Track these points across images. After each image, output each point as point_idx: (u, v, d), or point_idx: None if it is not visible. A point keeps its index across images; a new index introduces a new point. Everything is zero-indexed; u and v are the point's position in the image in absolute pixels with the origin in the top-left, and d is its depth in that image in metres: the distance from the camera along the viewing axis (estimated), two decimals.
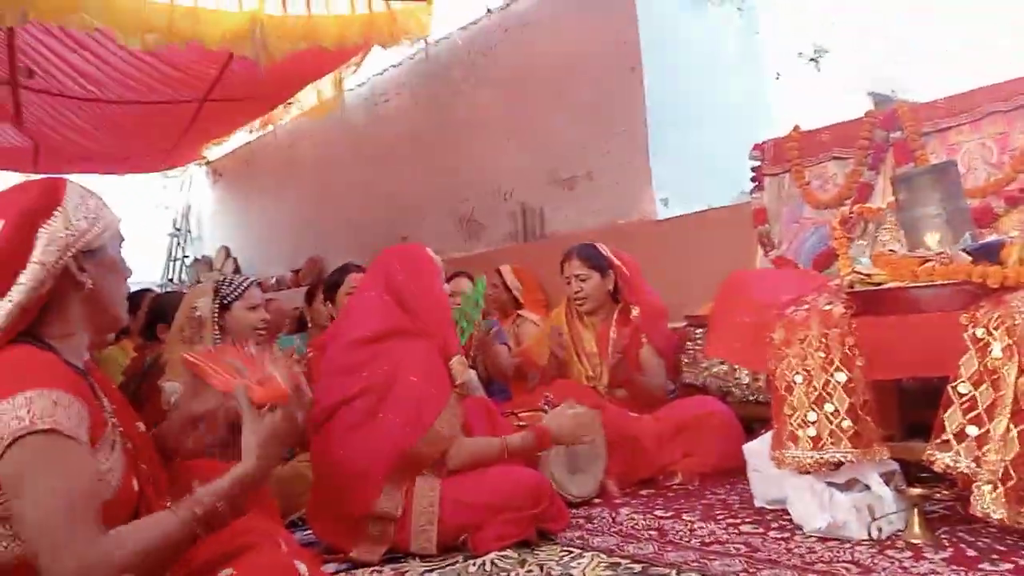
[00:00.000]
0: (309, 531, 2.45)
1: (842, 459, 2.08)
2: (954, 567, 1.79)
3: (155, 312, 3.20)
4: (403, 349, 2.36)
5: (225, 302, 2.75)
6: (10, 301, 1.24)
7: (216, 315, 2.72)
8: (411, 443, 2.24)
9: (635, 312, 3.29)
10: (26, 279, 1.25)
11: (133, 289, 2.89)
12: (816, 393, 2.13)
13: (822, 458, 2.09)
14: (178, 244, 9.76)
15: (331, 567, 2.18)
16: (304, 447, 2.87)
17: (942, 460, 1.91)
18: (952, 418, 1.91)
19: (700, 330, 3.25)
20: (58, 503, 1.13)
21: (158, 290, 5.81)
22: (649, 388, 3.22)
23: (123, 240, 1.44)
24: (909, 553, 1.90)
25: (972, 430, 1.87)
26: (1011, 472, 1.80)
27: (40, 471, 1.14)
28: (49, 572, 1.12)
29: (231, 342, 2.69)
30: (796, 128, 3.72)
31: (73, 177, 1.46)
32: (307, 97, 6.47)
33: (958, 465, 1.88)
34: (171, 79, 5.27)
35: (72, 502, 1.14)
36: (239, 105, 6.02)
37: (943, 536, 2.01)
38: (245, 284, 2.82)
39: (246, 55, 4.21)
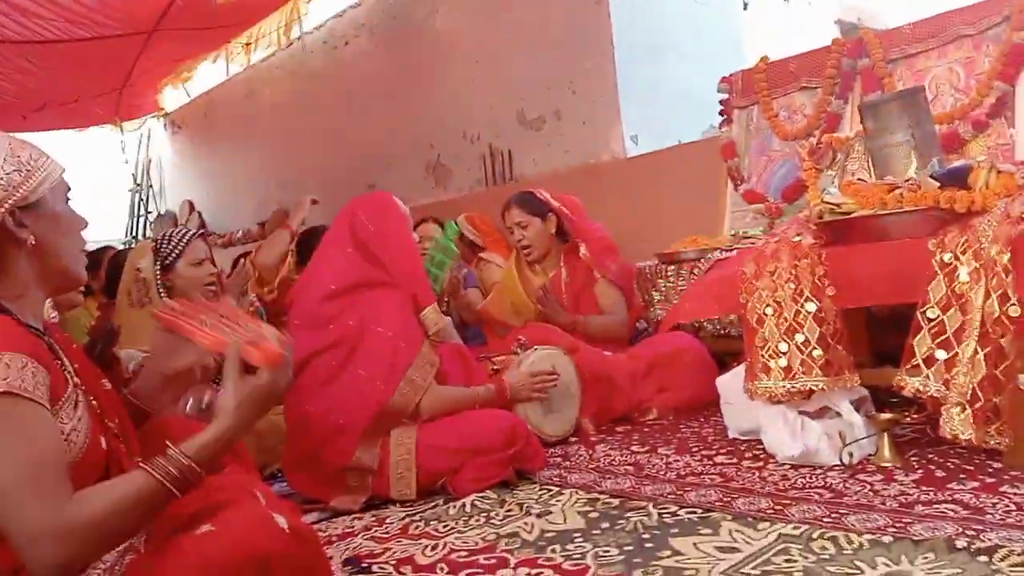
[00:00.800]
0: (285, 483, 2.45)
1: (814, 388, 2.11)
2: (924, 488, 1.82)
3: (114, 271, 3.11)
4: (371, 301, 2.34)
5: (167, 261, 2.61)
6: None
7: (159, 275, 2.61)
8: (385, 397, 2.23)
9: (583, 250, 3.26)
10: None
11: (93, 247, 2.80)
12: (787, 324, 2.14)
13: (794, 387, 2.12)
14: (140, 200, 9.55)
15: (312, 516, 2.19)
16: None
17: (912, 385, 1.94)
18: (921, 343, 1.93)
19: (672, 267, 3.26)
20: (19, 468, 1.09)
21: (121, 247, 5.69)
22: (603, 328, 3.20)
23: (69, 190, 1.36)
24: (880, 476, 1.94)
25: (941, 354, 1.90)
26: (979, 394, 1.83)
27: None
28: (16, 537, 1.10)
29: (181, 301, 2.64)
30: (764, 59, 3.69)
31: (29, 135, 1.39)
32: (264, 41, 6.30)
33: (927, 389, 1.91)
34: (117, 10, 5.08)
35: (34, 465, 1.10)
36: (189, 35, 5.80)
37: (912, 459, 2.05)
38: (186, 239, 2.66)
39: None
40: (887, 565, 1.46)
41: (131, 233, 9.45)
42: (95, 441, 1.28)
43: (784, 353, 2.14)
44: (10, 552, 1.18)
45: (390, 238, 2.41)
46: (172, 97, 8.55)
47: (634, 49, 4.44)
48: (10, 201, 1.24)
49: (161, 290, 2.60)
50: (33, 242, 1.27)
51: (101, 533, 1.13)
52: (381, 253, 2.39)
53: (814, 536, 1.61)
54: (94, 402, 1.34)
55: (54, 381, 1.22)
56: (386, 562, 1.79)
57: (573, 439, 2.68)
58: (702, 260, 3.12)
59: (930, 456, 2.05)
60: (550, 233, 3.32)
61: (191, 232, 2.73)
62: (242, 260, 3.93)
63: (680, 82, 4.42)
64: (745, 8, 5.08)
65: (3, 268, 1.26)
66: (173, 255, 2.62)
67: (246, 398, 1.24)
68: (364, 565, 1.79)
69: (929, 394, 1.91)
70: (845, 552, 1.53)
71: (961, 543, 1.49)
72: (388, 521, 2.09)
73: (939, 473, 1.92)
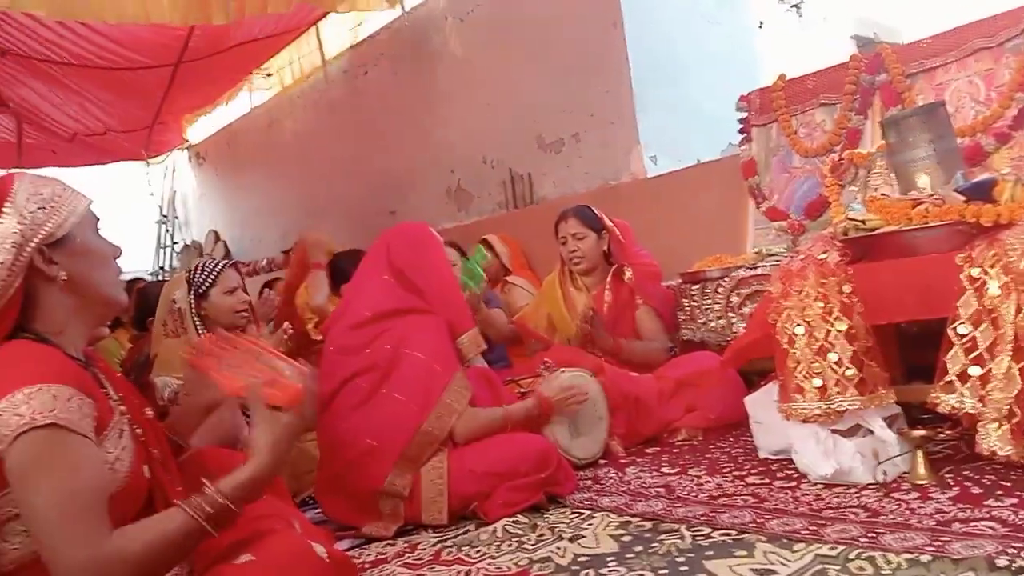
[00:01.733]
0: (318, 509, 2.46)
1: (849, 407, 2.09)
2: (960, 505, 1.80)
3: (143, 303, 3.17)
4: (406, 326, 2.36)
5: (200, 291, 2.67)
6: None
7: (193, 305, 2.66)
8: (420, 421, 2.25)
9: (628, 274, 3.28)
10: None
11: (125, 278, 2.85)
12: (818, 344, 2.13)
13: (829, 408, 2.10)
14: (167, 231, 9.69)
15: (345, 543, 2.20)
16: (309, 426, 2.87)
17: (947, 402, 1.92)
18: (954, 359, 1.92)
19: (695, 286, 3.25)
20: (61, 499, 1.12)
21: (149, 278, 5.78)
22: (644, 354, 3.21)
23: (97, 221, 1.39)
24: (916, 494, 1.92)
25: (975, 370, 1.88)
26: (1015, 409, 1.81)
27: (42, 467, 1.13)
28: (56, 569, 1.12)
29: (215, 329, 2.68)
30: (781, 77, 3.70)
31: (56, 171, 1.42)
32: (285, 71, 6.41)
33: (963, 406, 1.89)
34: (143, 42, 5.24)
35: (75, 498, 1.13)
36: (213, 63, 5.92)
37: (948, 476, 2.02)
38: (218, 268, 2.72)
39: (211, 22, 4.17)
40: None
41: (158, 264, 9.59)
42: (138, 469, 1.30)
43: (818, 373, 2.13)
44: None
45: (426, 265, 2.44)
46: (196, 129, 8.70)
47: (650, 70, 4.47)
48: (36, 239, 1.26)
49: (196, 319, 2.65)
50: (65, 278, 1.29)
51: (137, 569, 1.15)
52: (418, 280, 2.41)
53: (851, 556, 1.60)
54: (138, 431, 1.36)
55: (100, 411, 1.24)
56: None
57: (602, 461, 2.68)
58: (726, 279, 3.12)
59: (965, 473, 2.02)
60: (602, 250, 3.35)
61: (223, 262, 2.79)
62: (267, 289, 3.98)
63: (698, 101, 4.43)
64: (760, 27, 5.11)
65: (40, 304, 1.29)
66: (206, 284, 2.67)
67: (277, 436, 1.26)
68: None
69: (965, 411, 1.89)
70: (883, 572, 1.52)
71: (1002, 561, 1.47)
72: (420, 547, 2.10)
73: (975, 490, 1.89)
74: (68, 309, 1.32)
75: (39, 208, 1.28)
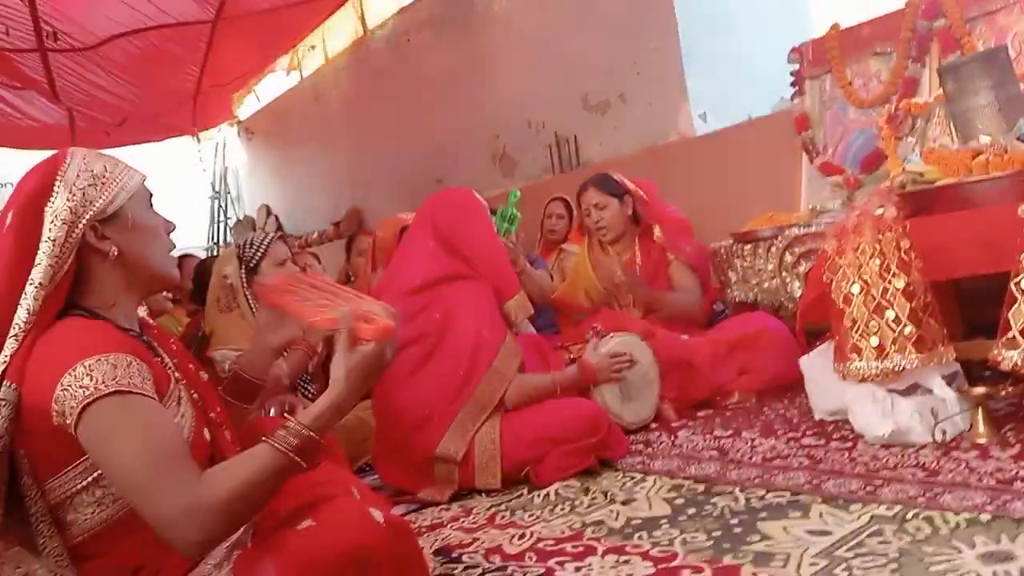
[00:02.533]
0: (376, 476, 2.52)
1: (908, 366, 2.04)
2: (1022, 464, 1.75)
3: (200, 278, 3.23)
4: (454, 294, 2.38)
5: (251, 265, 2.70)
6: (31, 284, 1.24)
7: (245, 280, 2.71)
8: (471, 388, 2.27)
9: (657, 232, 3.25)
10: (41, 259, 1.24)
11: (177, 255, 2.92)
12: (875, 302, 2.08)
13: (887, 367, 2.05)
14: (220, 207, 9.88)
15: (401, 508, 2.25)
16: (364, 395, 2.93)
17: (1010, 358, 1.86)
18: (1017, 315, 1.85)
19: (747, 246, 3.19)
20: (145, 456, 1.15)
21: (203, 254, 5.90)
22: (680, 305, 3.19)
23: (151, 196, 1.40)
24: (975, 453, 1.88)
25: None
26: None
27: (117, 432, 1.15)
28: (156, 522, 1.14)
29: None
30: (835, 26, 3.57)
31: (113, 150, 1.43)
32: (330, 41, 6.41)
33: None
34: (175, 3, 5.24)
35: (158, 452, 1.15)
36: (253, 24, 5.88)
37: (1009, 433, 1.97)
38: (267, 242, 2.75)
39: None
40: (986, 544, 1.41)
41: (212, 239, 9.80)
42: (199, 432, 1.34)
43: (875, 332, 2.08)
44: (133, 550, 1.25)
45: (471, 231, 2.45)
46: (245, 105, 8.80)
47: (698, 25, 4.36)
48: (88, 215, 1.28)
49: (248, 294, 2.70)
50: (116, 252, 1.31)
51: (234, 508, 1.17)
52: (463, 246, 2.43)
53: (908, 517, 1.58)
54: (195, 395, 1.39)
55: (157, 377, 1.27)
56: (475, 552, 1.83)
57: (654, 425, 2.67)
58: (779, 238, 3.05)
59: None
60: (626, 215, 3.32)
61: (271, 235, 2.83)
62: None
63: (747, 56, 4.31)
64: None
65: (91, 279, 1.31)
66: (256, 258, 2.72)
67: (355, 367, 1.25)
68: (455, 555, 1.84)
69: None
70: (941, 532, 1.50)
71: None
72: (475, 511, 2.14)
73: None
74: (119, 284, 1.34)
75: (90, 184, 1.29)
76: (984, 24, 3.05)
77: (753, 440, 2.31)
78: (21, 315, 1.23)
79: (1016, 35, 2.94)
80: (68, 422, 1.16)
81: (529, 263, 3.58)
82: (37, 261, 1.24)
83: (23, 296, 1.24)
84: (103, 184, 1.31)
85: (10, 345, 1.23)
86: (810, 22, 4.45)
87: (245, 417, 1.66)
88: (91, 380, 1.16)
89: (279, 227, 8.79)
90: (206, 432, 1.35)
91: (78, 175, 1.29)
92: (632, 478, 2.19)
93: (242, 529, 1.30)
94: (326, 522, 1.28)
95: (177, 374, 1.38)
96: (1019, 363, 1.84)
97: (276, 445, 1.19)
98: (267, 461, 1.19)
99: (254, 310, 2.67)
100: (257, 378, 1.61)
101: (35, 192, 1.28)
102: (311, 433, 1.21)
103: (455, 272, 2.42)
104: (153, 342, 1.39)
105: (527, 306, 2.50)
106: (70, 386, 1.16)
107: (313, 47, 6.93)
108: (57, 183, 1.28)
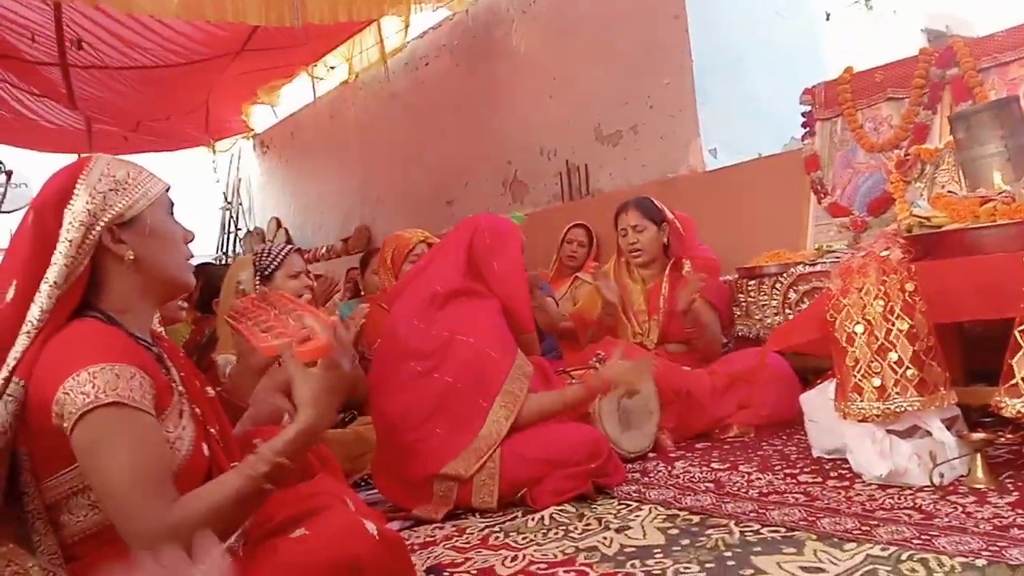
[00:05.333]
0: (373, 491, 2.52)
1: (909, 408, 2.04)
2: (1020, 511, 1.75)
3: (208, 285, 3.26)
4: (465, 311, 2.40)
5: (265, 273, 2.73)
6: (46, 283, 1.26)
7: (258, 287, 2.74)
8: (485, 411, 2.28)
9: (687, 268, 3.26)
10: (57, 259, 1.27)
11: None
12: (878, 343, 2.08)
13: (888, 408, 2.06)
14: (231, 217, 9.94)
15: (395, 524, 2.24)
16: (364, 410, 2.93)
17: (1012, 406, 1.87)
18: (1021, 362, 1.86)
19: (752, 282, 3.21)
20: (129, 472, 1.17)
21: (213, 263, 5.93)
22: (708, 340, 3.20)
23: (172, 206, 1.42)
24: (972, 498, 1.87)
25: None
26: None
27: (108, 443, 1.17)
28: (128, 538, 1.17)
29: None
30: (848, 70, 3.62)
31: (130, 157, 1.45)
32: (347, 64, 6.50)
33: None
34: (210, 35, 5.37)
35: (140, 471, 1.17)
36: (276, 55, 6.04)
37: (1007, 480, 1.97)
38: (284, 252, 2.79)
39: (284, 24, 4.27)
40: None
41: (222, 249, 9.84)
42: (198, 448, 1.35)
43: (877, 373, 2.08)
44: (125, 554, 1.25)
45: (502, 262, 2.47)
46: (260, 118, 8.89)
47: (713, 62, 4.41)
48: (106, 218, 1.30)
49: None
50: (132, 257, 1.33)
51: (202, 531, 1.18)
52: (490, 273, 2.46)
53: (903, 558, 1.57)
54: (197, 410, 1.41)
55: (160, 391, 1.28)
56: (467, 571, 1.82)
57: (651, 455, 2.67)
58: (784, 275, 3.07)
59: None
60: (662, 242, 3.33)
61: (289, 247, 2.87)
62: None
63: (760, 95, 4.36)
64: (828, 19, 5.00)
65: (106, 282, 1.33)
66: (272, 267, 2.75)
67: (317, 390, 1.28)
68: (446, 574, 1.83)
69: None
70: (935, 575, 1.49)
71: None
72: (468, 531, 2.13)
73: None
74: (134, 289, 1.35)
75: (111, 189, 1.31)
76: (996, 74, 3.09)
77: (750, 474, 2.31)
78: (35, 312, 1.25)
79: None
80: (66, 426, 1.18)
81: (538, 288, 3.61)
82: (53, 261, 1.27)
83: (38, 294, 1.26)
84: (124, 189, 1.33)
85: (22, 342, 1.25)
86: (823, 65, 4.50)
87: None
88: (92, 387, 1.17)
89: (288, 240, 8.83)
90: (205, 448, 1.36)
91: (100, 179, 1.32)
92: (627, 506, 2.18)
93: (233, 536, 1.31)
94: (319, 531, 1.29)
95: (181, 388, 1.39)
96: (1021, 411, 1.85)
97: (245, 471, 1.22)
98: (237, 487, 1.21)
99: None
100: (241, 402, 1.63)
101: (56, 194, 1.31)
102: (281, 459, 1.23)
103: (473, 289, 2.44)
104: (162, 354, 1.41)
105: (535, 347, 2.51)
106: (71, 390, 1.18)
107: (332, 67, 7.02)
108: (79, 186, 1.30)
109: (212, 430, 1.43)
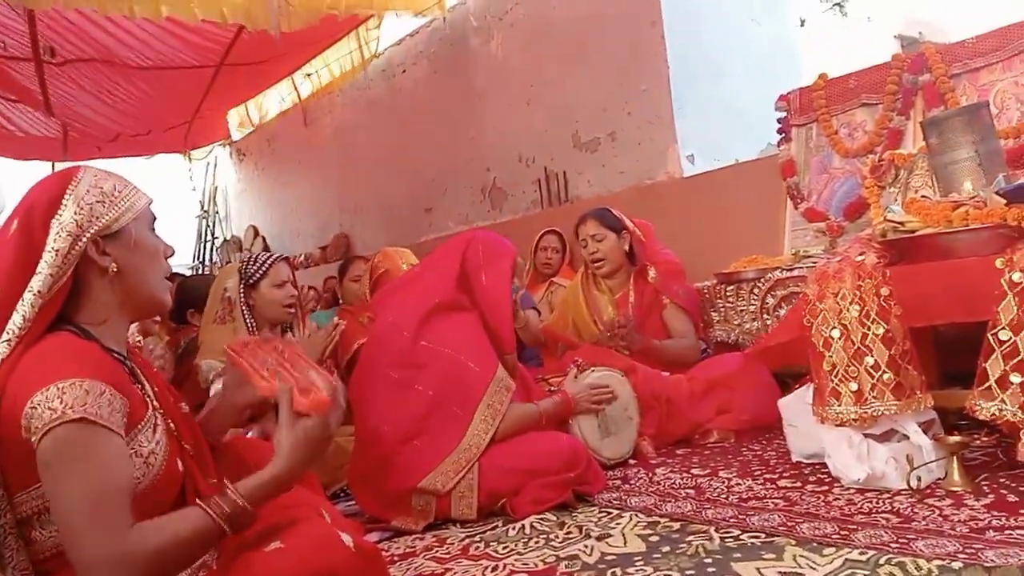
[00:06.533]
0: (351, 502, 2.50)
1: (885, 412, 2.06)
2: (995, 513, 1.77)
3: (182, 296, 3.24)
4: (448, 324, 2.39)
5: (251, 281, 2.73)
6: (30, 291, 1.25)
7: (243, 295, 2.73)
8: (464, 424, 2.27)
9: (652, 273, 3.27)
10: (42, 268, 1.26)
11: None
12: (855, 347, 2.10)
13: (865, 412, 2.07)
14: (207, 226, 9.86)
15: (374, 536, 2.22)
16: (343, 420, 2.91)
17: (986, 409, 1.89)
18: (994, 365, 1.88)
19: (731, 287, 3.22)
20: (86, 493, 1.14)
21: (188, 272, 5.89)
22: (677, 351, 3.19)
23: (154, 220, 1.42)
24: (949, 501, 1.89)
25: (1016, 377, 1.84)
26: None
27: (69, 461, 1.15)
28: (77, 562, 1.14)
29: (261, 321, 2.73)
30: (822, 76, 3.65)
31: (101, 163, 1.45)
32: (325, 71, 6.48)
33: (1004, 413, 1.86)
34: (189, 44, 5.36)
35: (100, 492, 1.15)
36: (256, 69, 6.04)
37: (983, 483, 1.98)
38: (270, 261, 2.79)
39: (260, 28, 4.26)
40: None
41: (198, 258, 9.76)
42: (172, 463, 1.33)
43: (854, 377, 2.10)
44: None
45: (491, 279, 2.47)
46: (238, 126, 8.83)
47: (689, 69, 4.43)
48: (92, 230, 1.30)
49: (244, 309, 2.71)
50: (115, 269, 1.33)
51: (157, 565, 1.17)
52: (478, 287, 2.46)
53: (881, 562, 1.58)
54: (172, 425, 1.39)
55: (133, 406, 1.27)
56: None
57: (632, 462, 2.67)
58: (761, 280, 3.08)
59: (1002, 480, 1.98)
60: (623, 250, 3.34)
61: (276, 255, 2.86)
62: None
63: (736, 101, 4.39)
64: (802, 25, 5.04)
65: (86, 293, 1.33)
66: (257, 276, 2.73)
67: (298, 442, 1.28)
68: None
69: (1005, 418, 1.85)
70: None
71: None
72: (449, 542, 2.11)
73: (1011, 498, 1.85)
74: (113, 301, 1.35)
75: (98, 201, 1.32)
76: (967, 80, 3.12)
77: (730, 480, 2.31)
78: (16, 321, 1.25)
79: (998, 92, 3.01)
80: (33, 440, 1.16)
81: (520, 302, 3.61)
82: (38, 270, 1.27)
83: (20, 302, 1.26)
84: (111, 202, 1.33)
85: (1, 350, 1.25)
86: (800, 70, 4.54)
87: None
88: (60, 403, 1.16)
89: (265, 248, 8.77)
90: (179, 463, 1.35)
91: (88, 191, 1.32)
92: (608, 513, 2.17)
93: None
94: (295, 544, 1.28)
95: (156, 403, 1.37)
96: (996, 414, 1.87)
97: (209, 511, 1.21)
98: (198, 524, 1.21)
99: (249, 326, 2.68)
100: (211, 437, 1.60)
101: (44, 204, 1.30)
102: (245, 505, 1.23)
103: (459, 302, 2.43)
104: (136, 368, 1.40)
105: (514, 369, 2.51)
106: (39, 404, 1.16)
107: (309, 75, 6.99)
108: (67, 197, 1.30)
109: (186, 446, 1.41)
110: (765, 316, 3.05)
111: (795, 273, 3.00)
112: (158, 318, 3.20)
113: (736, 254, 3.48)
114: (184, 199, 9.62)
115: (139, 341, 3.36)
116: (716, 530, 1.91)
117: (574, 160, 5.06)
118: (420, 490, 2.26)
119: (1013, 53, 3.00)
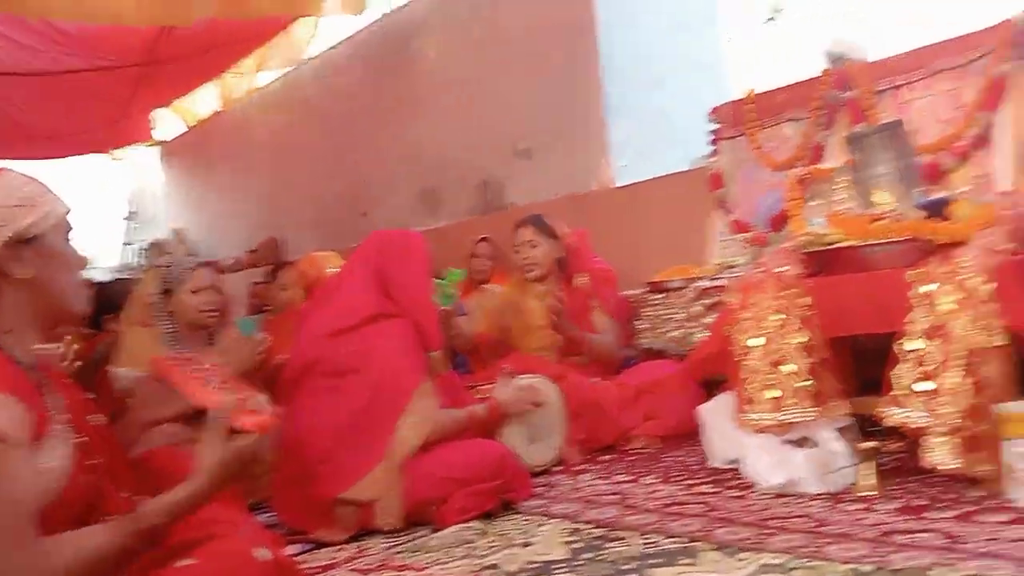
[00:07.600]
0: (272, 512, 2.43)
1: (803, 418, 2.10)
2: (904, 516, 1.82)
3: (98, 301, 3.13)
4: (375, 333, 2.36)
5: (169, 288, 2.66)
6: None
7: (161, 301, 2.66)
8: (388, 435, 2.24)
9: (580, 279, 3.32)
10: None
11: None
12: (775, 355, 2.14)
13: (783, 419, 2.12)
14: (133, 228, 9.57)
15: (295, 548, 2.17)
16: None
17: (894, 415, 1.95)
18: (901, 374, 1.94)
19: (658, 295, 3.27)
20: None
21: (113, 275, 5.70)
22: (602, 346, 3.24)
23: (70, 229, 1.38)
24: (862, 505, 1.94)
25: (922, 385, 1.90)
26: (963, 423, 1.84)
27: None
28: None
29: (182, 327, 2.66)
30: (751, 91, 3.73)
31: (20, 163, 1.40)
32: (259, 70, 6.36)
33: (910, 420, 1.92)
34: (108, 43, 5.16)
35: (8, 507, 1.11)
36: (183, 66, 5.87)
37: (894, 487, 2.04)
38: (188, 267, 2.72)
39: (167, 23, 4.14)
40: None
41: (123, 261, 9.45)
42: (76, 478, 1.28)
43: (773, 384, 2.14)
44: None
45: (408, 276, 2.45)
46: (166, 127, 8.60)
47: (622, 79, 4.48)
48: (9, 234, 1.25)
49: (163, 314, 2.63)
50: (28, 276, 1.28)
51: None
52: (397, 288, 2.43)
53: (793, 566, 1.61)
54: (81, 438, 1.33)
55: (37, 420, 1.22)
56: None
57: (558, 468, 2.67)
58: (687, 289, 3.13)
59: (910, 485, 2.05)
60: (555, 257, 3.36)
61: (197, 260, 2.80)
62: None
63: (670, 112, 4.45)
64: (729, 42, 5.13)
65: None
66: (175, 281, 2.66)
67: (223, 462, 1.26)
68: None
69: (910, 424, 1.91)
70: None
71: (936, 573, 1.48)
72: (370, 552, 2.08)
73: (918, 502, 1.92)
74: (24, 309, 1.30)
75: (16, 205, 1.27)
76: (890, 97, 3.22)
77: (652, 486, 2.34)
78: None
79: (917, 109, 3.11)
80: None
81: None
82: None
83: None
84: (30, 207, 1.29)
85: None
86: (732, 83, 4.63)
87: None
88: None
89: (190, 251, 8.54)
90: (86, 478, 1.30)
91: (7, 194, 1.27)
92: (532, 521, 2.17)
93: None
94: (208, 560, 1.27)
95: (65, 415, 1.32)
96: (903, 420, 1.93)
97: (124, 528, 1.20)
98: (111, 540, 1.19)
99: (169, 331, 2.62)
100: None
101: None
102: (159, 523, 1.22)
103: (383, 311, 2.40)
104: (43, 379, 1.34)
105: (443, 366, 2.50)
106: None
107: (241, 74, 6.84)
108: None
109: (97, 459, 1.36)
110: (690, 324, 3.10)
111: (720, 282, 3.06)
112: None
113: (666, 263, 3.53)
114: (108, 201, 9.33)
115: (59, 347, 3.23)
116: (640, 536, 1.92)
117: (511, 167, 5.06)
118: (344, 500, 2.22)
119: (933, 72, 3.10)
